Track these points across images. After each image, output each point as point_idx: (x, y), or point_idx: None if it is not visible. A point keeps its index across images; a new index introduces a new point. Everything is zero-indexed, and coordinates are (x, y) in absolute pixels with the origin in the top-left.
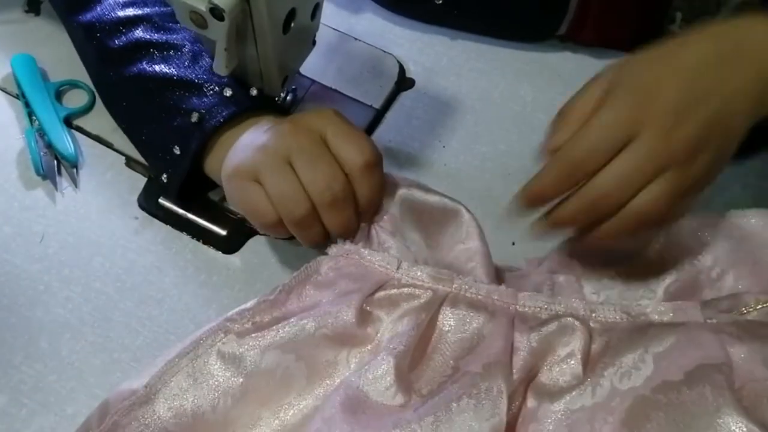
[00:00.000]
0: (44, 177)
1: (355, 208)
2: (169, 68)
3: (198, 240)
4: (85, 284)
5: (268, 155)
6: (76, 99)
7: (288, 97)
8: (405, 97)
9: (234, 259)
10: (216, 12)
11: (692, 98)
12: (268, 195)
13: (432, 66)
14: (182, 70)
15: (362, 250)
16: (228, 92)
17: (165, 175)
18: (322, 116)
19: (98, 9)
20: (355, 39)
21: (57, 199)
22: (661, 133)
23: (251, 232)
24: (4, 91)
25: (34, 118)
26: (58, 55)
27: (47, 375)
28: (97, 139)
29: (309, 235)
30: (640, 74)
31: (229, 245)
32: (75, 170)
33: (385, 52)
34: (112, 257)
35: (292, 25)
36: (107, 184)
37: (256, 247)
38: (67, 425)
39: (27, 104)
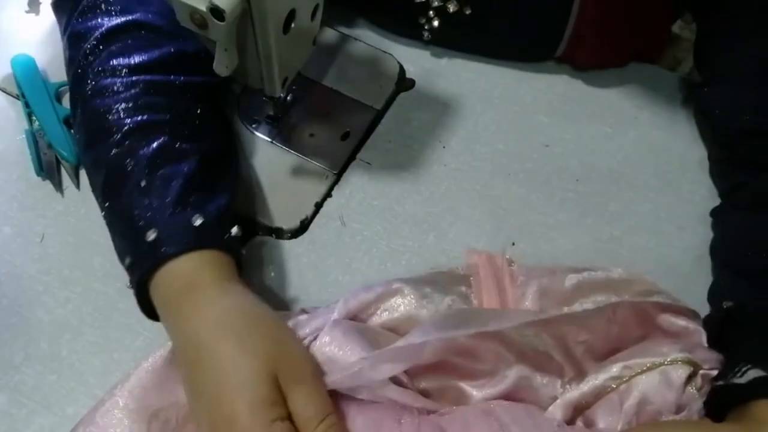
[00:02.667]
0: (45, 177)
1: None
2: (137, 190)
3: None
4: (85, 284)
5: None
6: None
7: (288, 98)
8: (405, 97)
9: None
10: (216, 12)
11: None
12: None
13: (432, 67)
14: (149, 195)
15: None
16: (151, 236)
17: (128, 260)
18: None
19: (87, 111)
20: (356, 40)
21: (57, 200)
22: None
23: (251, 233)
24: (4, 91)
25: (34, 118)
26: (58, 55)
27: (47, 375)
28: None
29: None
30: None
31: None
32: (76, 170)
33: (385, 52)
34: (112, 257)
35: (293, 25)
36: None
37: (257, 247)
38: (67, 425)
39: (27, 104)
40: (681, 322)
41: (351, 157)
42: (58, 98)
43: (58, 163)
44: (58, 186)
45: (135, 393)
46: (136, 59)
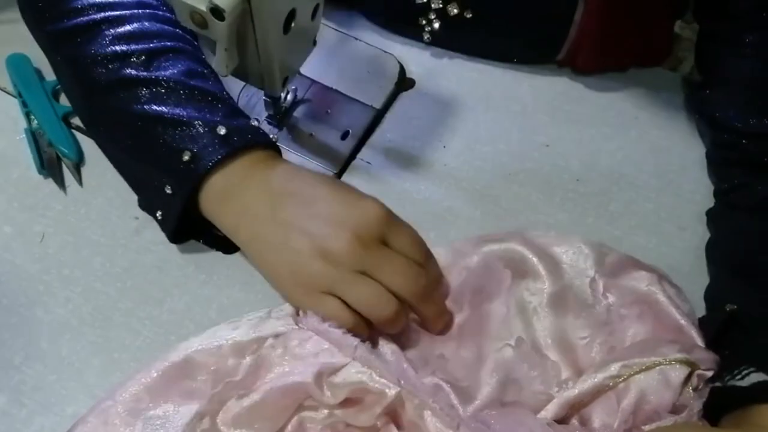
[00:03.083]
0: (46, 176)
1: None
2: (159, 106)
3: (198, 240)
4: (86, 284)
5: (341, 270)
6: None
7: (288, 97)
8: (405, 97)
9: (234, 259)
10: (216, 12)
11: None
12: (349, 304)
13: (432, 66)
14: (173, 107)
15: (329, 329)
16: (222, 130)
17: (159, 213)
18: (374, 216)
19: (89, 44)
20: (356, 39)
21: (57, 199)
22: None
23: None
24: (3, 90)
25: (32, 117)
26: None
27: (47, 375)
28: None
29: (398, 327)
30: None
31: (229, 245)
32: (77, 168)
33: (385, 52)
34: (113, 257)
35: (293, 25)
36: (107, 184)
37: None
38: (67, 425)
39: (24, 104)
40: (681, 320)
41: (351, 157)
42: (55, 97)
43: (59, 160)
44: (60, 184)
45: (130, 399)
46: None
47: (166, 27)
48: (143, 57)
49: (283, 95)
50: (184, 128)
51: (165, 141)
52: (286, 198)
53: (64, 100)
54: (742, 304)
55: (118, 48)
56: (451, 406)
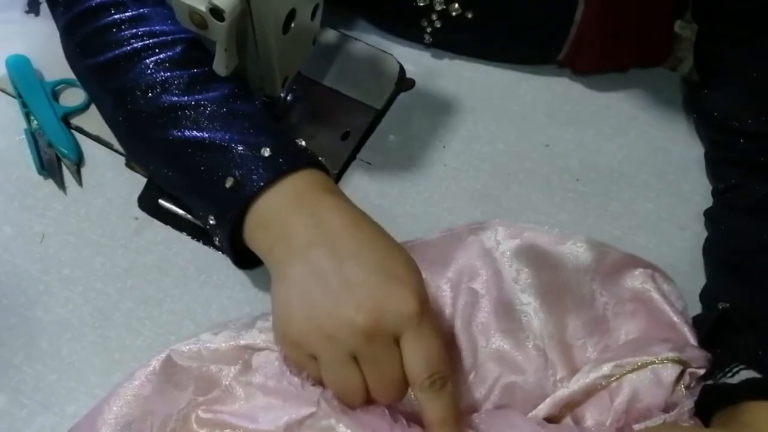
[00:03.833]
0: (46, 176)
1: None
2: (201, 132)
3: (198, 240)
4: (86, 284)
5: (333, 347)
6: (72, 98)
7: (288, 98)
8: (405, 97)
9: None
10: (216, 12)
11: None
12: (323, 380)
13: (432, 66)
14: (214, 132)
15: (291, 377)
16: (266, 152)
17: (216, 240)
18: (402, 313)
19: (130, 75)
20: (356, 39)
21: (57, 199)
22: None
23: None
24: (3, 91)
25: (32, 117)
26: (54, 54)
27: (47, 375)
28: (97, 139)
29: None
30: None
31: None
32: (77, 168)
33: (385, 52)
34: (113, 257)
35: (293, 25)
36: (107, 184)
37: None
38: (67, 425)
39: (24, 104)
40: (674, 317)
41: (351, 157)
42: (55, 97)
43: (59, 161)
44: (61, 184)
45: (117, 411)
46: (165, 27)
47: (205, 52)
48: (184, 82)
49: (283, 95)
50: (226, 153)
51: (207, 168)
52: (325, 241)
53: (63, 100)
54: (735, 302)
55: (157, 75)
56: None
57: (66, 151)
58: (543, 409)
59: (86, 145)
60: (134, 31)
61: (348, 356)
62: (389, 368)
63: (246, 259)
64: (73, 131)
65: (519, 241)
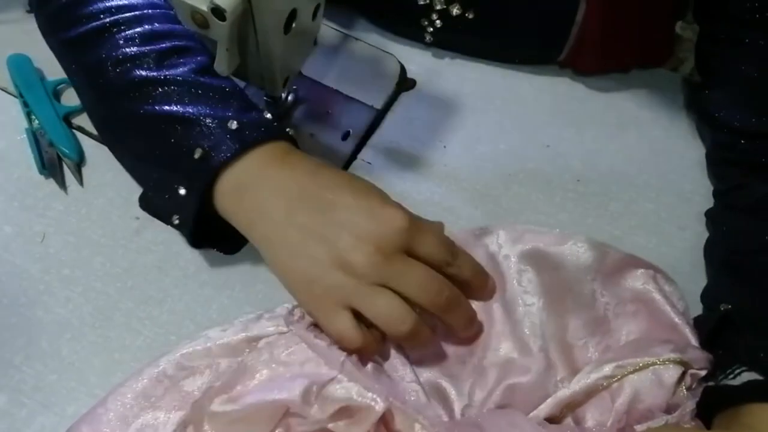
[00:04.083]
0: (48, 176)
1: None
2: (170, 105)
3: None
4: (86, 284)
5: (360, 283)
6: (73, 97)
7: (289, 98)
8: (406, 97)
9: (234, 259)
10: (217, 12)
11: None
12: (370, 318)
13: (433, 66)
14: (184, 106)
15: (315, 340)
16: (233, 125)
17: (176, 217)
18: (397, 227)
19: (100, 49)
20: (356, 39)
21: (58, 199)
22: None
23: None
24: (4, 90)
25: (33, 117)
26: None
27: (47, 375)
28: (98, 139)
29: (419, 342)
30: None
31: (229, 245)
32: (78, 168)
33: (385, 52)
34: (113, 257)
35: (294, 25)
36: (108, 184)
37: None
38: (67, 425)
39: (25, 104)
40: (675, 318)
41: (352, 157)
42: (56, 97)
43: (60, 160)
44: (62, 184)
45: (121, 407)
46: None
47: (176, 26)
48: (154, 57)
49: (283, 95)
50: (195, 125)
51: (176, 140)
52: (304, 201)
53: (64, 100)
54: (736, 303)
55: (128, 50)
56: (440, 417)
57: (67, 151)
58: (544, 409)
59: (87, 144)
60: (104, 5)
61: (377, 286)
62: (417, 272)
63: (203, 238)
64: (74, 131)
65: (520, 244)
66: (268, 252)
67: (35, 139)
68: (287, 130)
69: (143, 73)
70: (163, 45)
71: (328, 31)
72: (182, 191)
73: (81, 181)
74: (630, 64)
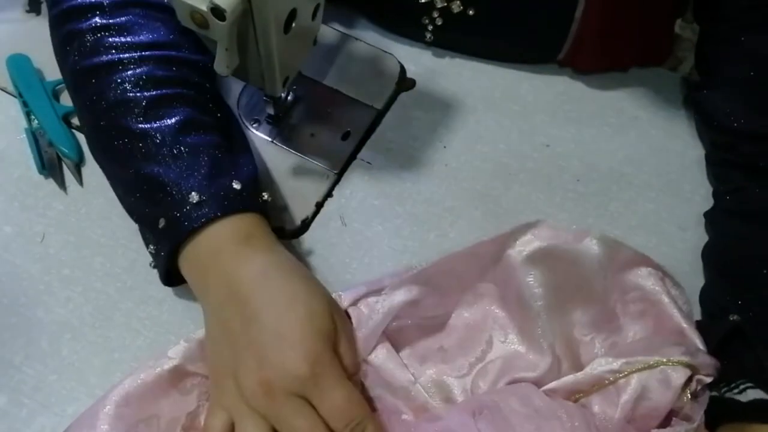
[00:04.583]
0: (47, 176)
1: None
2: (148, 163)
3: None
4: (86, 284)
5: (243, 403)
6: None
7: (289, 98)
8: (405, 97)
9: None
10: (217, 12)
11: None
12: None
13: (433, 66)
14: (157, 166)
15: None
16: (194, 198)
17: (152, 248)
18: (294, 373)
19: (97, 87)
20: (356, 39)
21: (58, 199)
22: None
23: None
24: (4, 90)
25: (32, 117)
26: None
27: (47, 375)
28: None
29: None
30: None
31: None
32: (78, 168)
33: (385, 52)
34: (113, 257)
35: (293, 25)
36: (108, 184)
37: None
38: (67, 425)
39: (25, 104)
40: (683, 323)
41: (352, 157)
42: (56, 97)
43: (60, 160)
44: (61, 184)
45: (121, 403)
46: (143, 37)
47: (173, 71)
48: (142, 106)
49: (283, 95)
50: (162, 194)
51: (147, 200)
52: (236, 301)
53: (64, 100)
54: (734, 309)
55: (120, 94)
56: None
57: (67, 151)
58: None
59: (87, 145)
60: (109, 40)
61: (255, 413)
62: (298, 423)
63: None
64: (73, 131)
65: (536, 241)
66: (205, 323)
67: (35, 139)
68: (263, 194)
69: (129, 123)
70: (153, 93)
71: (328, 31)
72: (151, 249)
73: (81, 181)
74: (629, 63)
